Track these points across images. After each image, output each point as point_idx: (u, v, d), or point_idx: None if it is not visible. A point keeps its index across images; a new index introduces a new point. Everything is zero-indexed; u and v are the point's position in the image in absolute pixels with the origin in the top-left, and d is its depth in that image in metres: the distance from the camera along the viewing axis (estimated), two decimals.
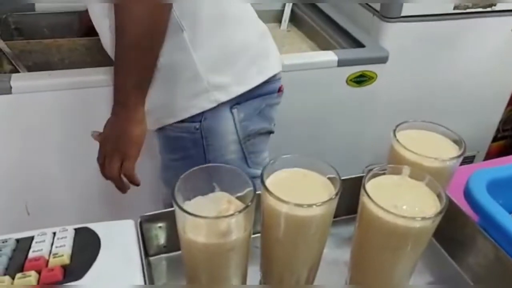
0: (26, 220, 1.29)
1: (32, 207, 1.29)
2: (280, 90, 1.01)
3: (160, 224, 0.64)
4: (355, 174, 0.77)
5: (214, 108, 0.91)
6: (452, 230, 0.68)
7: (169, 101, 0.91)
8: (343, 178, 0.68)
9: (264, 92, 0.97)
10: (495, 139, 1.96)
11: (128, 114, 0.81)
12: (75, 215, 1.29)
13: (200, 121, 0.92)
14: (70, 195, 1.30)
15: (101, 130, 0.88)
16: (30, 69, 1.38)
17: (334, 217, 0.60)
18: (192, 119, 0.92)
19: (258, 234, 0.60)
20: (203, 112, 0.91)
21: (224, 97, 0.91)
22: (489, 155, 1.94)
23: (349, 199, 0.62)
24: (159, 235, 0.65)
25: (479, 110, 1.71)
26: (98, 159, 0.90)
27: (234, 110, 0.93)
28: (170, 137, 0.96)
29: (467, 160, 1.87)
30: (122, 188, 0.91)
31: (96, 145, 1.25)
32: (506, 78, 1.66)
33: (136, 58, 0.76)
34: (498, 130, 1.94)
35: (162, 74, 0.86)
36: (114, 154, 0.86)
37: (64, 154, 1.24)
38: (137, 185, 0.92)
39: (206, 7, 0.85)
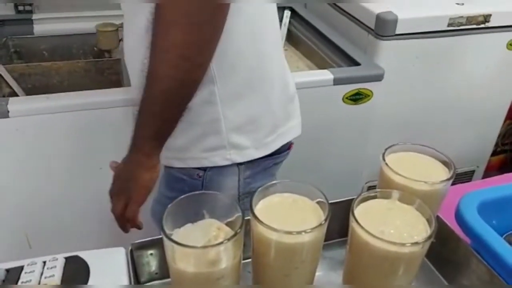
0: (25, 245, 1.29)
1: (32, 232, 1.29)
2: (290, 147, 0.99)
3: (151, 251, 0.64)
4: (353, 191, 0.77)
5: None
6: (446, 252, 0.68)
7: (183, 148, 0.88)
8: (335, 201, 0.69)
9: (275, 152, 0.94)
10: (494, 153, 1.96)
11: (141, 159, 0.78)
12: (75, 240, 1.28)
13: (205, 170, 0.89)
14: (70, 220, 1.30)
15: (118, 160, 0.85)
16: (29, 92, 1.39)
17: (328, 239, 0.60)
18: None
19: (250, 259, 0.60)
20: None
21: (239, 158, 0.88)
22: (489, 170, 1.94)
23: (342, 221, 0.62)
24: (151, 262, 0.65)
25: (477, 125, 1.71)
26: (109, 191, 0.86)
27: (242, 167, 0.90)
28: (171, 175, 0.93)
29: (467, 175, 1.86)
30: (123, 228, 0.88)
31: (93, 172, 1.25)
32: (503, 93, 1.67)
33: (162, 110, 0.73)
34: (497, 144, 1.94)
35: (183, 121, 0.82)
36: (120, 195, 0.83)
37: (62, 178, 1.25)
38: (139, 228, 0.89)
39: (244, 66, 0.82)
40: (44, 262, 0.57)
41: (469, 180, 1.88)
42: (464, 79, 1.55)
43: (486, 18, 1.42)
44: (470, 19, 1.41)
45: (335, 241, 0.73)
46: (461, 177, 1.84)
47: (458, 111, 1.64)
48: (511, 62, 1.57)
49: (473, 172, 1.87)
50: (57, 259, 0.57)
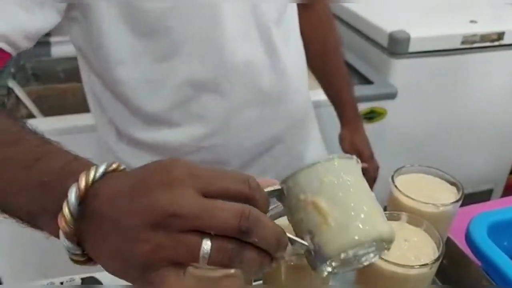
0: (41, 265, 1.30)
1: (46, 253, 1.30)
2: None
3: None
4: None
5: None
6: (457, 273, 0.67)
7: None
8: None
9: None
10: None
11: None
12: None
13: None
14: None
15: None
16: (46, 113, 1.42)
17: None
18: None
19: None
20: None
21: None
22: (509, 188, 1.90)
23: None
24: None
25: (493, 143, 1.69)
26: None
27: None
28: None
29: (484, 194, 1.83)
30: None
31: None
32: None
33: None
34: None
35: None
36: None
37: None
38: None
39: None
40: (62, 283, 0.58)
41: (488, 198, 1.85)
42: (478, 97, 1.55)
43: (500, 35, 1.41)
44: (483, 37, 1.41)
45: None
46: (479, 196, 1.81)
47: (473, 128, 1.62)
48: None
49: (491, 190, 1.84)
50: (74, 279, 0.58)
